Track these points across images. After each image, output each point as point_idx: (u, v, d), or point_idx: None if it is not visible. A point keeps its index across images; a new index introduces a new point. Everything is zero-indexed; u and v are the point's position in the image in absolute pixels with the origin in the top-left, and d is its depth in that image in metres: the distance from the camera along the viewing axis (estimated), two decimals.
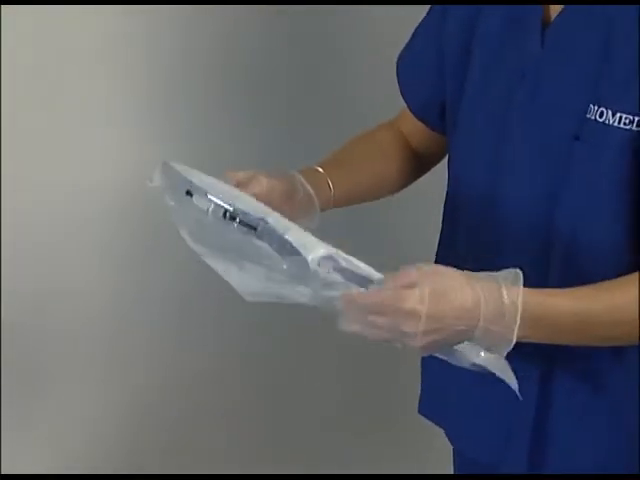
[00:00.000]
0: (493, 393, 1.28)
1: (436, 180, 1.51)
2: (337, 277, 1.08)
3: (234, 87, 1.93)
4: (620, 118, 1.17)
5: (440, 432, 1.46)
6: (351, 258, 1.09)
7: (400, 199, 1.54)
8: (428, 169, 1.53)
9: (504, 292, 1.08)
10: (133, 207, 1.87)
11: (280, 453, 2.13)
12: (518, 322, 1.08)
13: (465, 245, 1.35)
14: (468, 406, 1.37)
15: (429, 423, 1.47)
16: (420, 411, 1.47)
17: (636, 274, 1.17)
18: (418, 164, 1.50)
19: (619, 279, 1.18)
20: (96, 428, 1.98)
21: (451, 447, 1.47)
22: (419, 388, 1.48)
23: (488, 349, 1.11)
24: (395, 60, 1.49)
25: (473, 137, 1.33)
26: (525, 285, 1.11)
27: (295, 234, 1.10)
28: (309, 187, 1.31)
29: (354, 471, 2.16)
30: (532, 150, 1.25)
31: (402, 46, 1.48)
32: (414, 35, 1.45)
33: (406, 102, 1.48)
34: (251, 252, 1.13)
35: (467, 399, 1.36)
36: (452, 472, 1.52)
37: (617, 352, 1.25)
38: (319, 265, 1.07)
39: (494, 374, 1.15)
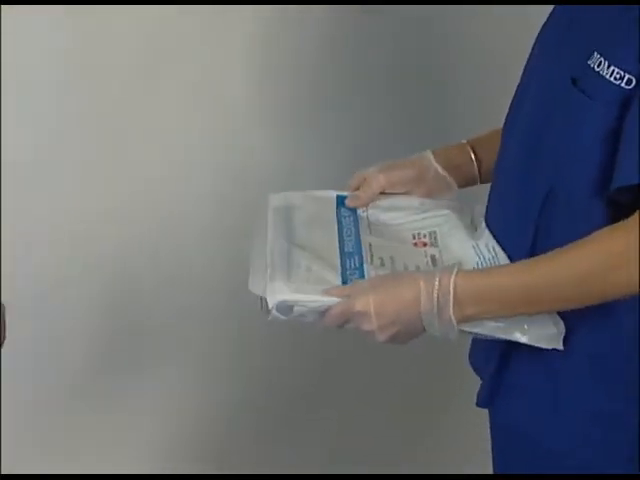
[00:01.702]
0: None
1: None
2: (301, 311, 1.24)
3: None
4: (612, 72, 1.17)
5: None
6: (307, 297, 1.23)
7: None
8: None
9: (437, 280, 1.20)
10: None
11: (281, 453, 2.12)
12: (452, 304, 1.19)
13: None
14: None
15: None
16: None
17: (579, 241, 1.17)
18: None
19: (562, 248, 1.19)
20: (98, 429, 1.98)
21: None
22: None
23: (442, 336, 1.22)
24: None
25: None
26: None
27: (254, 281, 1.26)
28: (439, 167, 1.43)
29: (358, 471, 2.15)
30: (538, 88, 1.28)
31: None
32: None
33: None
34: None
35: None
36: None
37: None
38: (277, 310, 1.23)
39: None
